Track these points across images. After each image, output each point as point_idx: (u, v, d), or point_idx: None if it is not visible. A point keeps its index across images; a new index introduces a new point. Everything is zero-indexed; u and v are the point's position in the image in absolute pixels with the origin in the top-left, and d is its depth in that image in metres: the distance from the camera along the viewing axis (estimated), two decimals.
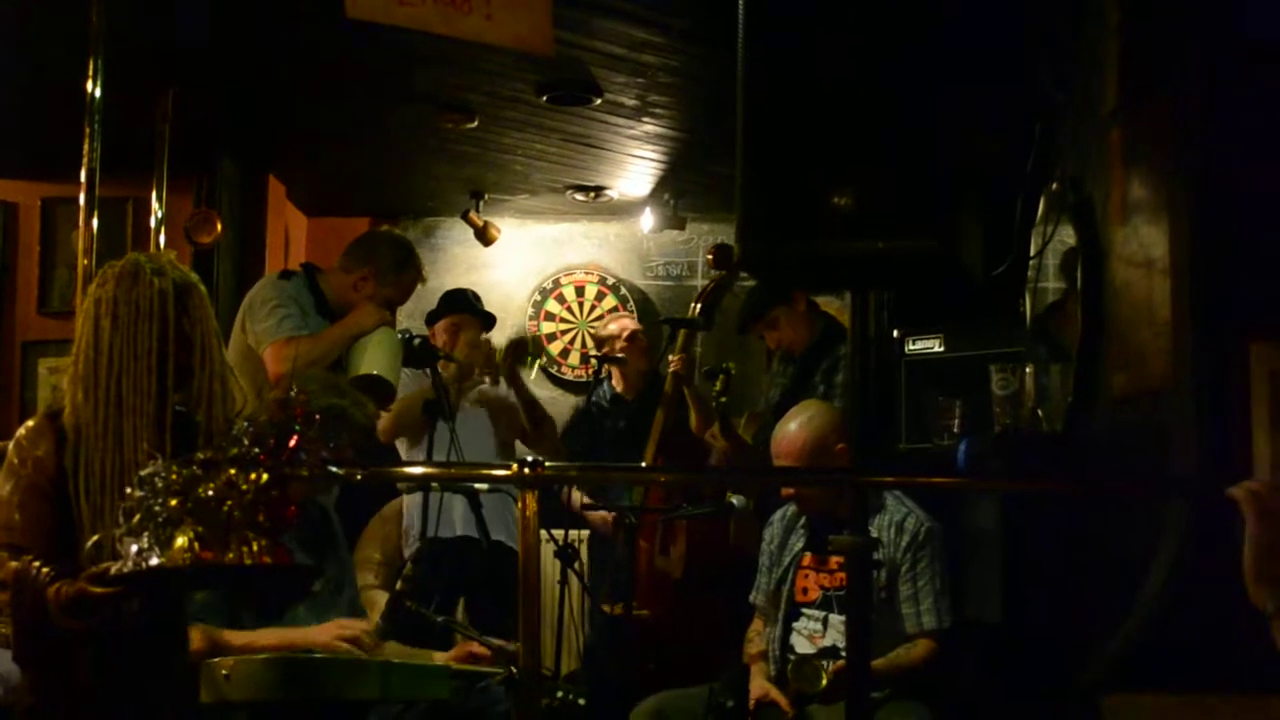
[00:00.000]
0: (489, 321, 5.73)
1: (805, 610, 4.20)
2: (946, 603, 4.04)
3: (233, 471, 2.54)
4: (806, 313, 5.31)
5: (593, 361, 6.34)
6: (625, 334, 6.21)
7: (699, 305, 5.70)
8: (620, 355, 6.10)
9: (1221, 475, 2.89)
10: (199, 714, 3.51)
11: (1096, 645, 3.09)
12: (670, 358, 5.69)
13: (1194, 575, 2.92)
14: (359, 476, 2.86)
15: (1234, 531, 2.81)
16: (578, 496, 5.77)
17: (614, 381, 6.21)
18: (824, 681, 3.83)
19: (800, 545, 4.29)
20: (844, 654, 3.89)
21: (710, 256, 6.06)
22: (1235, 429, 2.90)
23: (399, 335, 4.89)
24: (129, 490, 2.58)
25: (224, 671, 3.38)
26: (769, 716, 4.03)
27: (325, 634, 3.73)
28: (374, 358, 4.70)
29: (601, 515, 5.68)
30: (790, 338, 5.35)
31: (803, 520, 4.32)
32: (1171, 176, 3.13)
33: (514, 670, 3.51)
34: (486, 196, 7.47)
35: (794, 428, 4.23)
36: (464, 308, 5.68)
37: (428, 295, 7.40)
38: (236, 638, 3.61)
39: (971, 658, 4.00)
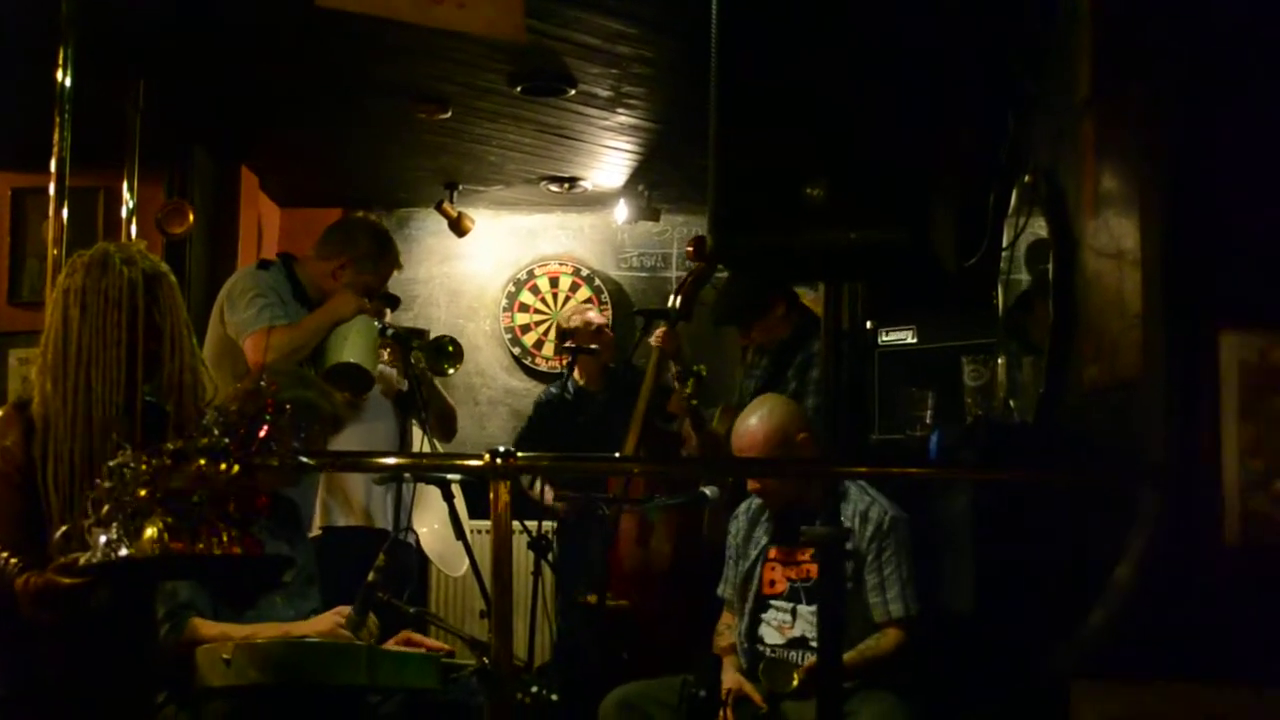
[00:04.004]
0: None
1: (773, 602, 4.21)
2: (913, 591, 4.05)
3: (202, 462, 2.54)
4: (784, 314, 5.30)
5: (566, 353, 6.33)
6: (592, 328, 6.23)
7: (678, 298, 5.69)
8: (594, 346, 6.10)
9: (1192, 466, 2.91)
10: (184, 699, 3.53)
11: (1066, 634, 3.10)
12: (652, 340, 5.67)
13: (1163, 565, 2.93)
14: (329, 466, 2.85)
15: (1201, 521, 2.83)
16: (547, 493, 5.80)
17: (576, 375, 6.19)
18: (795, 682, 3.85)
19: (766, 539, 4.29)
20: (814, 644, 3.90)
21: (690, 249, 6.06)
22: (1206, 419, 2.91)
23: (375, 327, 4.86)
24: (98, 481, 2.57)
25: (224, 656, 3.41)
26: (743, 712, 4.03)
27: (325, 623, 3.74)
28: (353, 346, 4.67)
29: (567, 505, 5.67)
30: (763, 339, 5.34)
31: (767, 514, 4.32)
32: (1143, 168, 3.14)
33: (486, 662, 3.52)
34: (460, 187, 7.46)
35: (754, 421, 4.24)
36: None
37: (402, 284, 7.42)
38: (237, 631, 3.62)
39: (943, 646, 4.01)
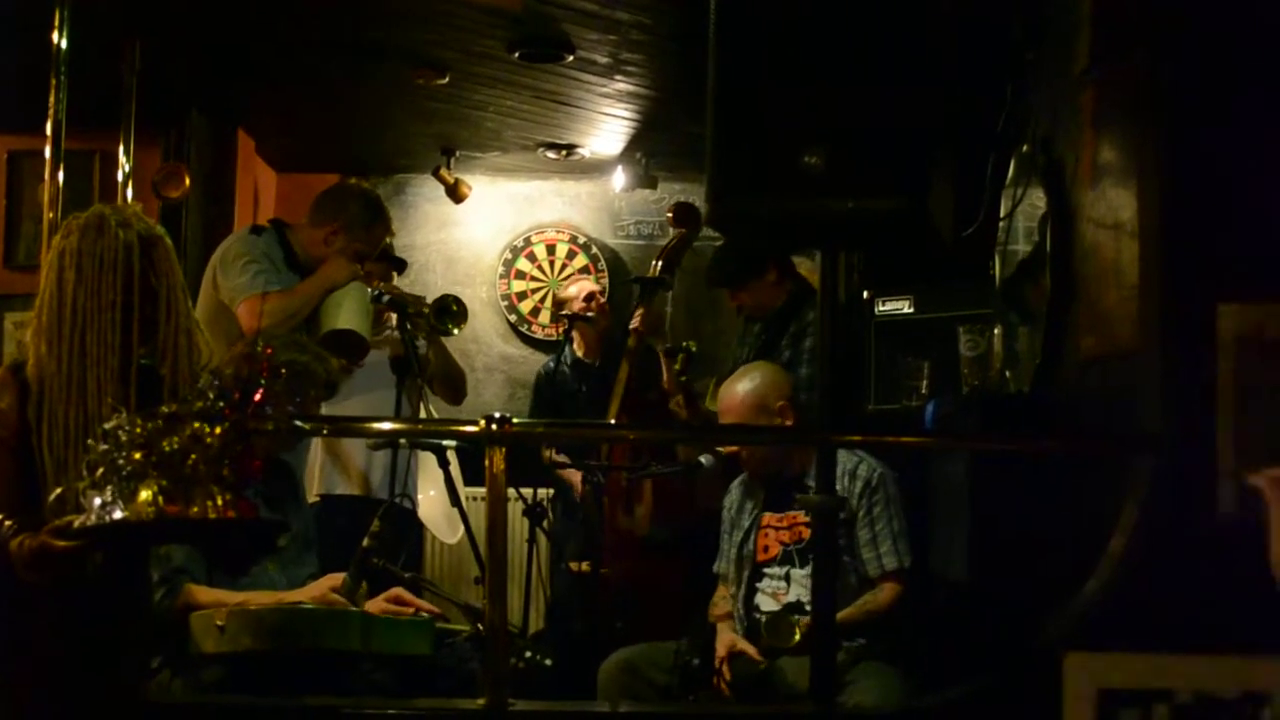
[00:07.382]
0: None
1: (766, 569, 4.23)
2: (905, 543, 4.10)
3: (197, 425, 2.54)
4: (776, 281, 5.31)
5: (564, 321, 6.33)
6: (583, 295, 6.22)
7: (660, 264, 5.67)
8: (590, 314, 6.11)
9: (1187, 437, 2.91)
10: (179, 664, 3.53)
11: (1059, 604, 3.10)
12: (631, 324, 5.68)
13: (1157, 535, 2.94)
14: (324, 431, 2.85)
15: (1196, 492, 2.83)
16: (548, 454, 5.79)
17: (575, 346, 6.20)
18: (797, 636, 3.87)
19: (759, 507, 4.31)
20: (809, 606, 3.91)
21: (670, 215, 6.05)
22: (1201, 391, 2.91)
23: (369, 293, 4.85)
24: (92, 443, 2.57)
25: (219, 622, 3.42)
26: (740, 668, 4.05)
27: (318, 589, 3.74)
28: (347, 313, 4.67)
29: (572, 474, 5.67)
30: (755, 303, 5.35)
31: (758, 482, 4.35)
32: (1142, 138, 3.13)
33: (480, 628, 3.52)
34: (457, 153, 7.42)
35: (736, 387, 4.32)
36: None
37: (399, 251, 7.39)
38: (231, 597, 3.62)
39: (936, 615, 4.02)
